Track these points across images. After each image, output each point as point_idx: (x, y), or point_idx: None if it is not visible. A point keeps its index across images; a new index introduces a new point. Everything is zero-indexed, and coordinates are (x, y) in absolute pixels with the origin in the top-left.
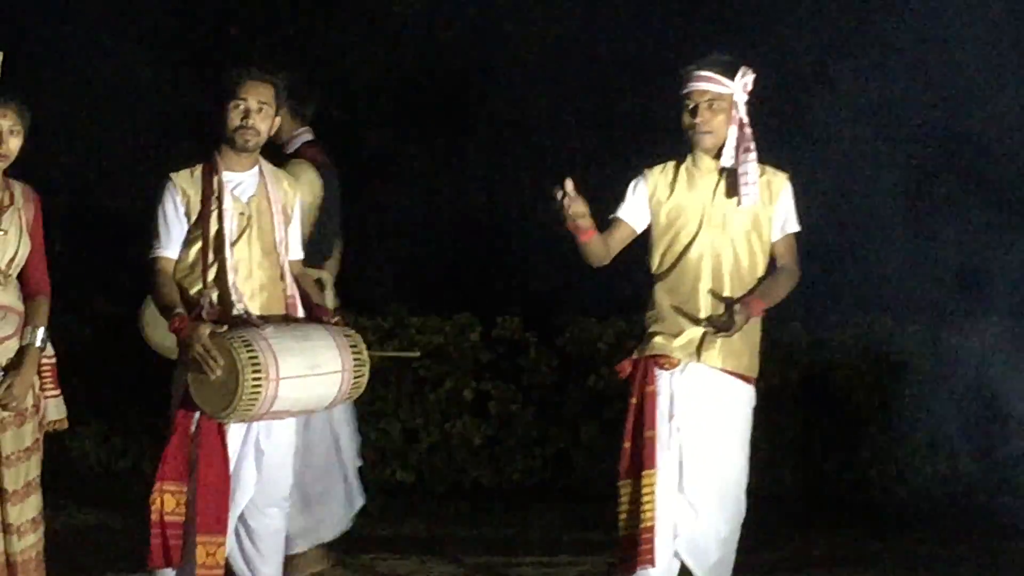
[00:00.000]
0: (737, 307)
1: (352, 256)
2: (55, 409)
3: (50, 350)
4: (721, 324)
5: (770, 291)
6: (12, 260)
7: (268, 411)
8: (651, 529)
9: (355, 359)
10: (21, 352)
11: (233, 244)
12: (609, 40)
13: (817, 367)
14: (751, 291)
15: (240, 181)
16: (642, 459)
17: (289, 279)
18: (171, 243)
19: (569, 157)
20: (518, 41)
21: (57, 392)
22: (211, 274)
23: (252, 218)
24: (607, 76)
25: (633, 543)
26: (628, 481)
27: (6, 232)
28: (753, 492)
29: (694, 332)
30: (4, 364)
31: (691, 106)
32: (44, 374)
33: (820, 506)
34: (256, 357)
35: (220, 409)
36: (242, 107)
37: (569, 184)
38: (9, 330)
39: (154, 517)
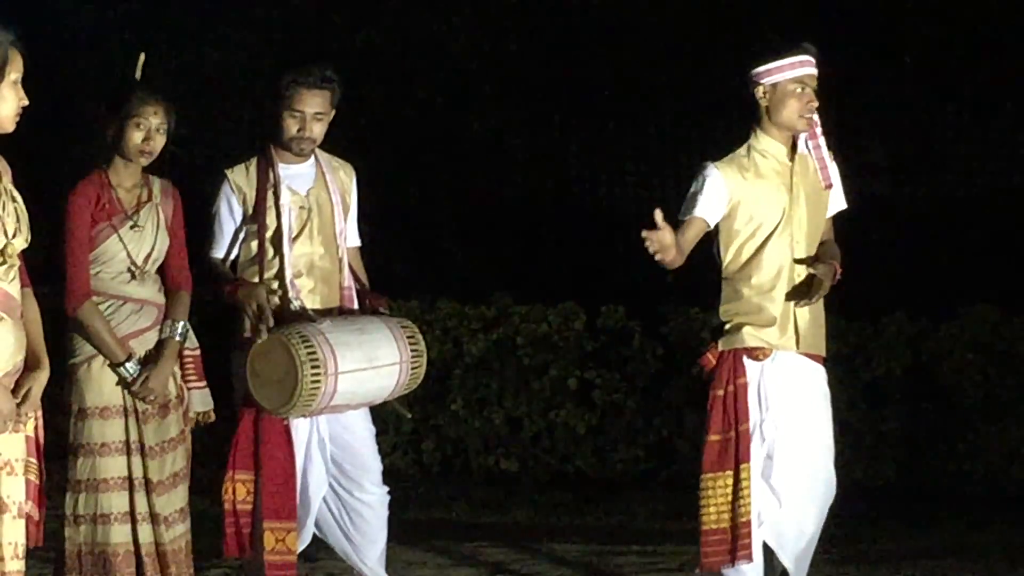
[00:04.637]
0: (822, 267)
1: (457, 244)
2: (200, 400)
3: (194, 342)
4: (808, 291)
5: (837, 259)
6: (149, 256)
7: (327, 406)
8: (749, 523)
9: (412, 350)
10: (160, 345)
11: (295, 239)
12: (711, 29)
13: (922, 358)
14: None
15: (297, 173)
16: (738, 453)
17: (346, 271)
18: (224, 244)
19: (672, 145)
20: (623, 26)
21: (203, 384)
22: (270, 269)
23: (312, 211)
24: (710, 64)
25: (721, 537)
26: (720, 474)
27: (142, 228)
28: (857, 483)
29: (786, 320)
30: (142, 356)
31: (800, 89)
32: (187, 366)
33: (924, 498)
34: (315, 352)
35: (280, 406)
36: (298, 117)
37: (658, 215)
38: (146, 323)
39: (227, 507)
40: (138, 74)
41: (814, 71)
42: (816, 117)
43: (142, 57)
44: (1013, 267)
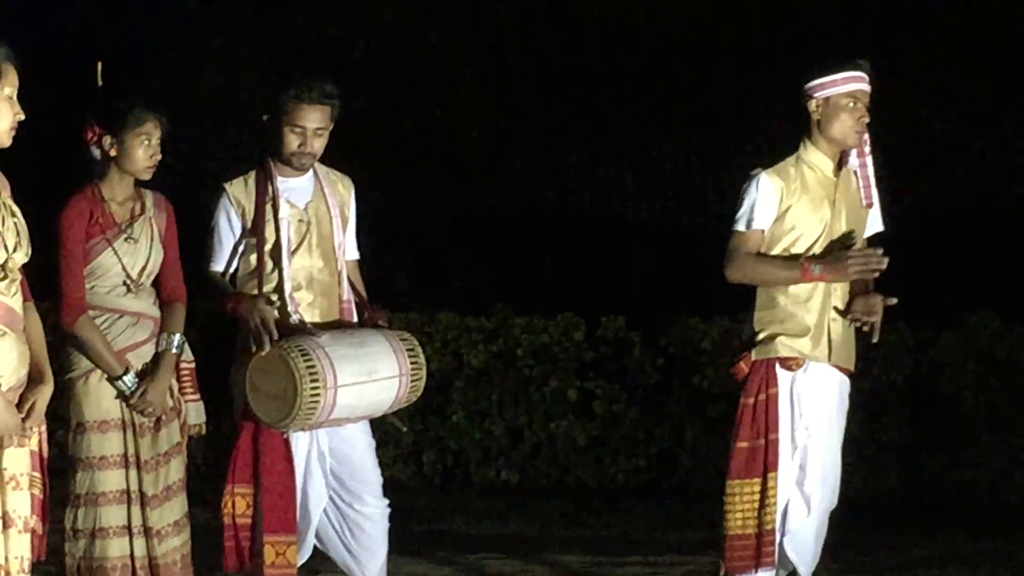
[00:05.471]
0: (879, 300)
1: (457, 256)
2: (195, 413)
3: (189, 355)
4: (871, 322)
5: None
6: (144, 269)
7: (327, 419)
8: (773, 531)
9: (412, 363)
10: (157, 358)
11: (293, 252)
12: (713, 40)
13: (923, 368)
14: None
15: (296, 187)
16: (767, 461)
17: (345, 284)
18: (223, 257)
19: (671, 156)
20: (622, 38)
21: (197, 397)
22: (270, 283)
23: (311, 224)
24: (709, 75)
25: (746, 543)
26: (748, 481)
27: (136, 241)
28: (858, 493)
29: (820, 331)
30: (139, 369)
31: (853, 104)
32: (183, 378)
33: (925, 507)
34: (314, 366)
35: (279, 419)
36: (299, 132)
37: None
38: (143, 336)
39: (226, 520)
40: (99, 82)
41: (867, 87)
42: (867, 136)
43: (100, 66)
44: (1013, 276)
